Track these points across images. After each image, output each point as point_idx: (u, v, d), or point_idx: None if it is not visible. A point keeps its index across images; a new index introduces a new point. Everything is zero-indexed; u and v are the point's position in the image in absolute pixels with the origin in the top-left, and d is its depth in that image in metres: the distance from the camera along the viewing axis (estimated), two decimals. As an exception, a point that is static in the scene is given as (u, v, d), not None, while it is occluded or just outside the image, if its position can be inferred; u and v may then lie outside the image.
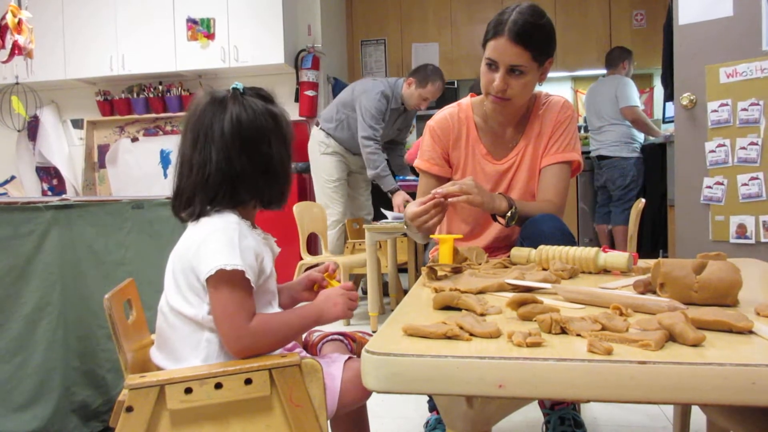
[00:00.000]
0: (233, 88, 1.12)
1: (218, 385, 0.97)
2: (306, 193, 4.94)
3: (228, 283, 1.01)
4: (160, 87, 5.23)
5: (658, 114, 5.39)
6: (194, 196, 1.08)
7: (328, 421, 1.10)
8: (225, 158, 1.06)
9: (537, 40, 1.53)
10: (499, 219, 1.56)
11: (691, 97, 2.81)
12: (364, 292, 4.20)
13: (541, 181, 1.69)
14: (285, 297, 1.25)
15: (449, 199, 1.41)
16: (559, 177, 1.67)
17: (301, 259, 3.77)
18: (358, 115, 3.75)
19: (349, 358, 1.16)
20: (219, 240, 1.03)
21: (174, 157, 5.21)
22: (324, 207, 3.89)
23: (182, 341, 1.06)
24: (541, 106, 1.71)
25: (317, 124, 4.03)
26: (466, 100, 1.77)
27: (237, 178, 1.07)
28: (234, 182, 1.07)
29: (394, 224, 3.35)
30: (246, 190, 1.09)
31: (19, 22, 3.00)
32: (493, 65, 1.56)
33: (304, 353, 1.26)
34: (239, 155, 1.07)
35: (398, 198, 3.80)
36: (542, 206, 1.61)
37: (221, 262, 1.00)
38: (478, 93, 1.72)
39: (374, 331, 3.09)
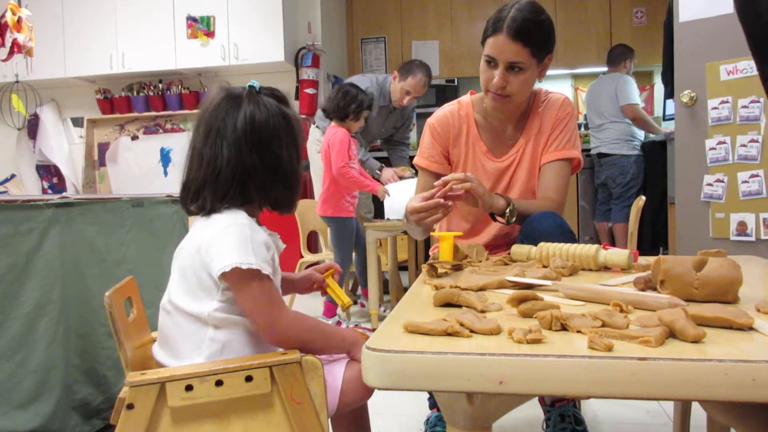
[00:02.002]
0: (249, 86, 1.13)
1: (219, 383, 0.97)
2: (306, 191, 4.94)
3: (252, 278, 1.02)
4: (160, 85, 5.23)
5: (658, 111, 5.38)
6: (203, 190, 1.09)
7: (329, 419, 1.10)
8: (236, 154, 1.07)
9: (536, 37, 1.53)
10: (499, 218, 1.55)
11: (692, 95, 2.81)
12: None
13: (541, 179, 1.69)
14: (284, 288, 1.27)
15: (455, 186, 1.40)
16: (559, 174, 1.67)
17: (302, 256, 3.78)
18: None
19: (350, 355, 1.16)
20: (232, 237, 1.03)
21: (174, 154, 5.23)
22: None
23: (185, 339, 1.07)
24: (541, 103, 1.71)
25: (314, 123, 4.04)
26: (466, 98, 1.77)
27: (246, 175, 1.08)
28: (243, 179, 1.08)
29: (394, 222, 3.35)
30: (255, 188, 1.09)
31: (19, 20, 3.00)
32: (492, 62, 1.56)
33: (304, 351, 1.26)
34: (249, 152, 1.07)
35: (386, 173, 3.80)
36: (542, 204, 1.60)
37: (237, 260, 1.00)
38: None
39: (375, 329, 3.09)
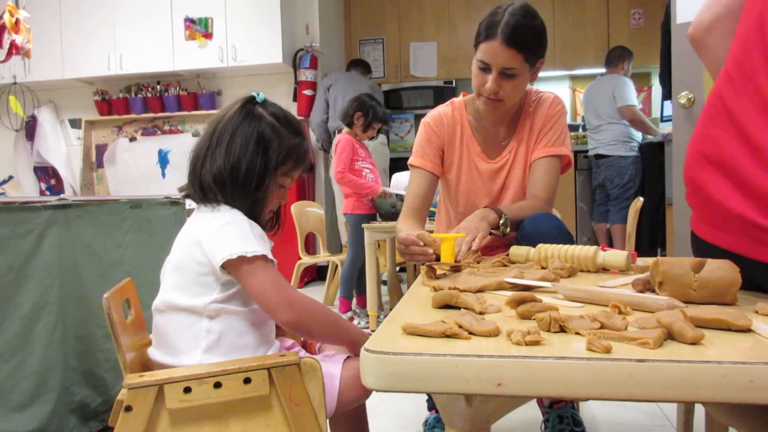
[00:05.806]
0: (250, 95, 1.18)
1: (217, 384, 0.97)
2: (305, 192, 4.93)
3: (258, 264, 1.04)
4: (158, 86, 5.22)
5: (656, 113, 5.39)
6: (191, 186, 1.16)
7: (327, 420, 1.10)
8: (210, 156, 1.13)
9: (529, 42, 1.52)
10: (493, 231, 1.55)
11: (690, 96, 2.81)
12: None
13: (530, 175, 1.68)
14: None
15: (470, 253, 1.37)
16: (548, 171, 1.66)
17: (300, 259, 3.78)
18: None
19: (348, 356, 1.16)
20: (233, 231, 1.06)
21: (172, 156, 5.23)
22: None
23: (181, 334, 1.07)
24: (532, 103, 1.71)
25: (339, 131, 4.13)
26: (459, 99, 1.77)
27: (217, 175, 1.11)
28: (214, 179, 1.11)
29: (393, 223, 3.35)
30: (220, 189, 1.11)
31: (17, 22, 2.99)
32: (485, 67, 1.56)
33: (303, 352, 1.26)
34: (224, 155, 1.11)
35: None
36: (531, 205, 1.60)
37: (241, 249, 1.03)
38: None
39: (373, 330, 3.10)
